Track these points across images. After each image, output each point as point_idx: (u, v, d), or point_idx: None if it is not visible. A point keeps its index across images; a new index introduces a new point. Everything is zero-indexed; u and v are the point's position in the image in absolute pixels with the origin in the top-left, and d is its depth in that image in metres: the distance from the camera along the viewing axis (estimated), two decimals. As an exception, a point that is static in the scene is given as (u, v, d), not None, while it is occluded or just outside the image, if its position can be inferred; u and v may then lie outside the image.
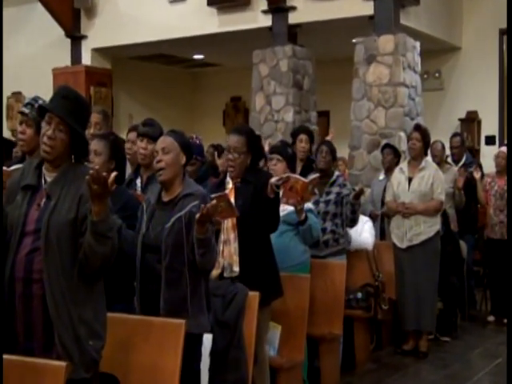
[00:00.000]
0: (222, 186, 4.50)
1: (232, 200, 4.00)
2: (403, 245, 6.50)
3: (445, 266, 6.77)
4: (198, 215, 3.40)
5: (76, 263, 2.92)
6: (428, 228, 6.44)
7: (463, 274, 7.46)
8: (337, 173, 6.10)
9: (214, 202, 3.45)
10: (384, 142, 8.67)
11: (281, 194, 4.58)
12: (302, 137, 6.64)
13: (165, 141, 3.75)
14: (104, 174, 2.76)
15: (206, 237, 3.47)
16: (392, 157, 7.65)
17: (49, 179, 3.03)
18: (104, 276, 3.07)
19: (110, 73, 12.33)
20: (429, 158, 7.02)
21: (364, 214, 6.81)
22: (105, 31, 11.76)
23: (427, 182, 6.50)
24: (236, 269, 4.26)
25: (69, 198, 2.95)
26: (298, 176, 4.77)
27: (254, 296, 4.19)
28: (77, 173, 2.99)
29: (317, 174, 5.13)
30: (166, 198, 3.74)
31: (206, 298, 3.69)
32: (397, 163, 7.33)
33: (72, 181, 2.98)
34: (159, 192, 3.79)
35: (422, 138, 6.63)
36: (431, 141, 7.08)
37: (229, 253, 4.26)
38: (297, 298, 4.97)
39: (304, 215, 4.99)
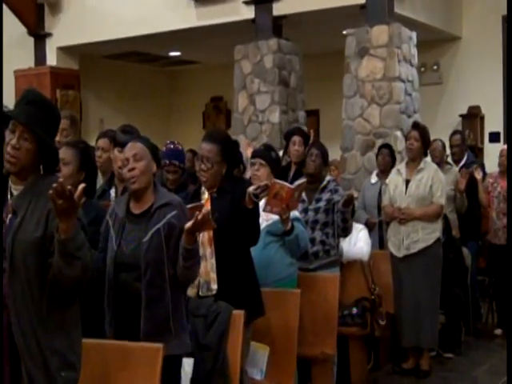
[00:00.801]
0: (196, 196, 4.49)
1: (208, 211, 4.06)
2: (400, 253, 6.53)
3: (447, 276, 6.81)
4: (189, 223, 3.43)
5: (45, 286, 2.89)
6: (427, 235, 6.48)
7: (467, 285, 7.50)
8: (328, 177, 6.07)
9: (208, 208, 3.48)
10: (379, 142, 8.75)
11: (263, 202, 4.64)
12: (296, 139, 6.70)
13: (136, 147, 3.75)
14: (69, 187, 2.73)
15: (195, 247, 3.52)
16: (389, 160, 7.69)
17: (15, 193, 3.00)
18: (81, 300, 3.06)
19: (77, 74, 12.33)
20: (428, 158, 7.04)
21: (358, 222, 6.87)
22: (71, 28, 11.75)
23: (426, 184, 6.54)
24: (214, 286, 4.29)
25: (37, 213, 2.92)
26: (283, 182, 4.80)
27: (238, 315, 4.20)
28: (46, 185, 2.86)
29: (304, 180, 5.16)
30: (136, 209, 3.75)
31: (186, 315, 3.74)
32: (391, 168, 7.36)
33: (40, 194, 2.93)
34: (127, 204, 3.78)
35: (421, 137, 6.65)
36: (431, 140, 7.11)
37: (205, 269, 4.26)
38: (285, 316, 4.97)
39: (290, 224, 4.99)
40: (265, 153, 5.23)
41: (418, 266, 6.49)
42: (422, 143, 6.67)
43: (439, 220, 6.65)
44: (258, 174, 5.09)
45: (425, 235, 6.50)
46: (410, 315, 6.52)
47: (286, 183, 4.81)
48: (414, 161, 6.68)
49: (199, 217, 3.40)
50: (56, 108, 3.27)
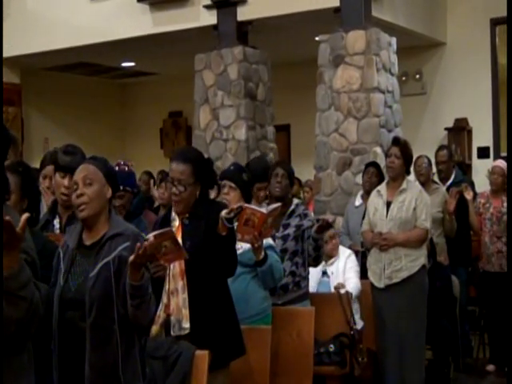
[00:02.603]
0: (166, 223, 4.45)
1: (179, 239, 4.02)
2: (381, 284, 6.53)
3: (433, 307, 6.85)
4: (132, 257, 3.41)
5: None
6: (410, 263, 6.48)
7: (456, 316, 7.56)
8: (295, 201, 6.07)
9: (152, 239, 3.45)
10: (357, 159, 8.85)
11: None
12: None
13: (86, 169, 3.74)
14: (7, 218, 2.67)
15: (142, 284, 3.48)
16: (377, 180, 7.67)
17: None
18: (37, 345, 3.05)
19: (19, 88, 12.37)
20: (411, 177, 7.10)
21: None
22: (12, 37, 11.67)
23: (409, 206, 6.54)
24: (186, 325, 4.26)
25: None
26: (254, 206, 4.79)
27: (202, 356, 4.15)
28: None
29: (278, 204, 5.09)
30: (88, 240, 3.74)
31: (141, 362, 3.71)
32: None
33: None
34: (80, 234, 3.78)
35: (403, 153, 6.63)
36: (414, 156, 7.10)
37: (177, 306, 4.26)
38: (255, 355, 4.95)
39: (263, 254, 4.98)
40: (235, 174, 5.25)
41: (402, 296, 6.50)
42: (404, 161, 6.65)
43: (424, 246, 6.66)
44: (227, 198, 5.11)
45: (408, 263, 6.51)
46: (394, 352, 6.53)
47: (257, 208, 4.78)
48: (395, 180, 6.67)
49: (140, 250, 3.40)
50: (4, 128, 3.26)
